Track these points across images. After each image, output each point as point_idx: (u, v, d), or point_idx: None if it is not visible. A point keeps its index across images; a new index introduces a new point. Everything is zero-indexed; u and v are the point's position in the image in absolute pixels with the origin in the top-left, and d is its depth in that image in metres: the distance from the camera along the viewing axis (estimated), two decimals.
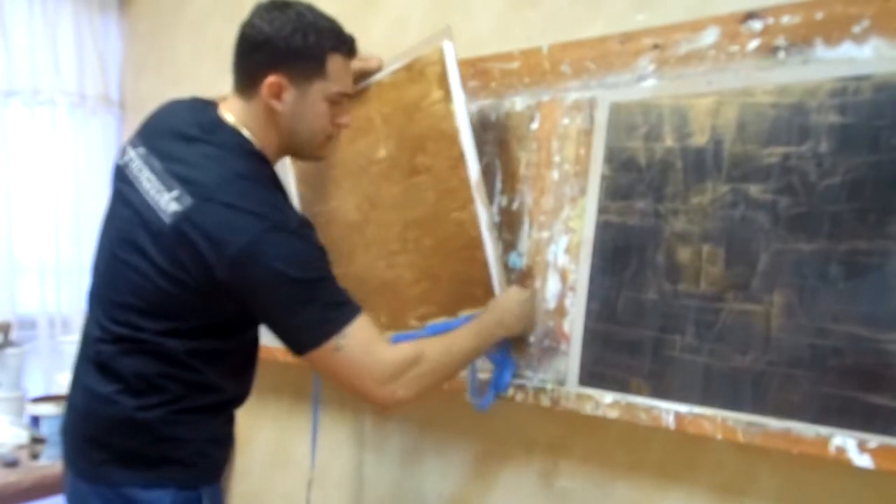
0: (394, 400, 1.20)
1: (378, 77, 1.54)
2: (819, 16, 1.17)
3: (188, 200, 1.14)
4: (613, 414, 1.29)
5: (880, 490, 1.13)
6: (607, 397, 1.30)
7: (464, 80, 1.60)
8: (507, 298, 1.36)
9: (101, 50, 2.64)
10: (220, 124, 1.24)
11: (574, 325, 1.38)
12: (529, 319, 1.40)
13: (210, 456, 1.26)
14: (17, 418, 2.23)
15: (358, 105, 1.55)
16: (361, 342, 1.17)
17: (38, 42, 2.51)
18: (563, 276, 1.42)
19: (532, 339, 1.44)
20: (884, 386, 1.06)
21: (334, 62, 1.23)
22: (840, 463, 1.08)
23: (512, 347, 1.44)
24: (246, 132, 1.23)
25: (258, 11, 1.21)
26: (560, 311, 1.41)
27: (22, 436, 2.16)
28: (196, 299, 1.17)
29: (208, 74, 2.38)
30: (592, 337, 1.35)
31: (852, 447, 1.06)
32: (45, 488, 1.95)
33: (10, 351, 2.26)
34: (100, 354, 1.22)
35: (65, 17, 2.57)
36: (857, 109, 1.12)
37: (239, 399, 1.33)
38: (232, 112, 1.25)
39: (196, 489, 1.23)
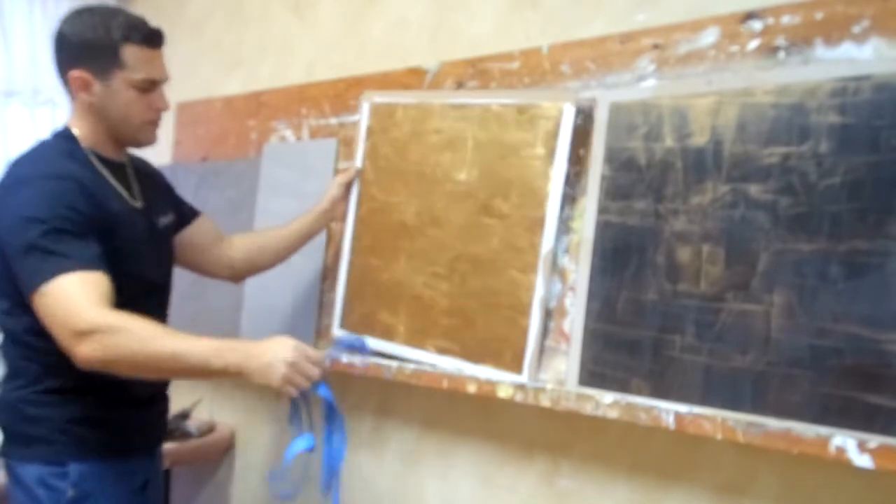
0: (77, 355, 1.19)
1: (487, 101, 1.52)
2: (819, 16, 1.17)
3: None
4: (613, 414, 1.29)
5: (880, 490, 1.13)
6: (607, 397, 1.30)
7: (464, 80, 1.61)
8: (272, 345, 1.22)
9: None
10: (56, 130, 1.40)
11: (574, 325, 1.37)
12: (275, 375, 1.20)
13: (75, 434, 1.31)
14: None
15: (455, 120, 1.56)
16: (64, 295, 1.20)
17: (38, 42, 2.51)
18: (563, 276, 1.42)
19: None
20: (884, 386, 1.06)
21: (130, 52, 1.31)
22: (840, 463, 1.08)
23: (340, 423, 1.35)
24: (74, 129, 1.37)
25: (64, 17, 1.34)
26: (560, 311, 1.41)
27: None
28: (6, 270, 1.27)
29: (208, 74, 2.38)
30: (592, 337, 1.35)
31: (852, 447, 1.06)
32: None
33: None
34: None
35: None
36: (857, 109, 1.12)
37: (102, 384, 1.28)
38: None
39: (63, 464, 1.30)
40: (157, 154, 2.35)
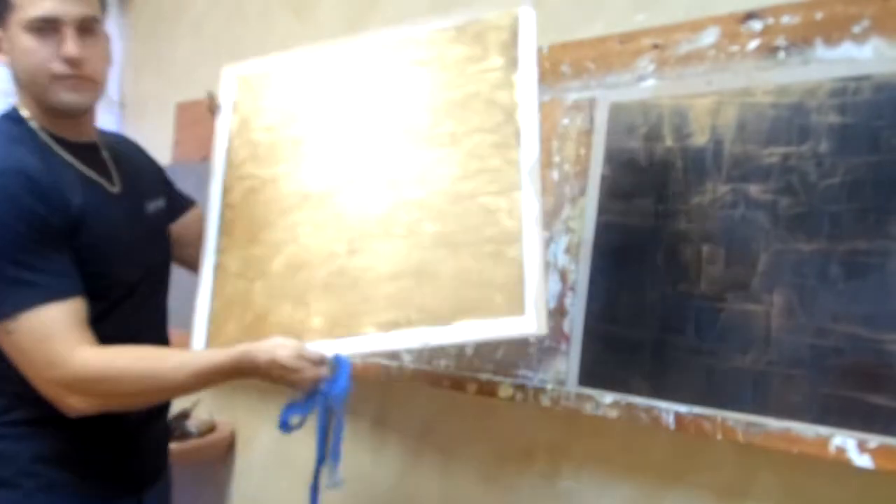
0: (66, 407, 1.05)
1: (407, 32, 1.35)
2: (819, 16, 1.17)
3: None
4: (613, 414, 1.29)
5: (880, 490, 1.13)
6: (607, 397, 1.30)
7: None
8: (278, 347, 1.12)
9: None
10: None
11: (574, 325, 1.38)
12: (289, 380, 1.16)
13: (40, 476, 1.09)
14: None
15: (363, 63, 1.38)
16: (37, 336, 1.02)
17: None
18: (563, 276, 1.42)
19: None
20: (884, 386, 1.06)
21: None
22: (840, 463, 1.08)
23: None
24: (23, 110, 1.14)
25: None
26: (560, 311, 1.41)
27: None
28: None
29: (208, 74, 2.37)
30: (592, 337, 1.35)
31: (852, 447, 1.06)
32: None
33: None
34: None
35: None
36: (857, 109, 1.12)
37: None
38: None
39: None
40: (157, 154, 2.35)
